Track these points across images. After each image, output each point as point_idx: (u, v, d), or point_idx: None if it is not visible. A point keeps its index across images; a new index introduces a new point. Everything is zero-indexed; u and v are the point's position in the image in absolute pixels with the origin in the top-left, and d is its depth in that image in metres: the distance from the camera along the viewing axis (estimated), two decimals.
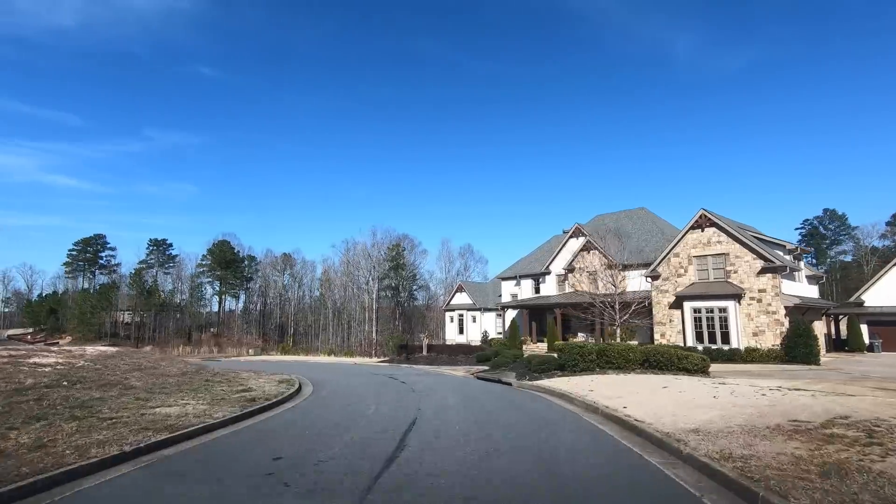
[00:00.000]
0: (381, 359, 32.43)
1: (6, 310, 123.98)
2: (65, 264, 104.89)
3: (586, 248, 37.22)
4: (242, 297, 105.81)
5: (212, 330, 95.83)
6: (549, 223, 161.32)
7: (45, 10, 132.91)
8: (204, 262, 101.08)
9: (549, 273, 40.47)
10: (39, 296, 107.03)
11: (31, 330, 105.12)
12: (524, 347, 36.61)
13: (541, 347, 36.72)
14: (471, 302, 48.10)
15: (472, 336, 47.30)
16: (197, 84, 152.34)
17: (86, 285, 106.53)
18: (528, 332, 38.81)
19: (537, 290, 41.81)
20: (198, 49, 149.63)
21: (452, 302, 50.67)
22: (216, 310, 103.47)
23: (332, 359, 38.92)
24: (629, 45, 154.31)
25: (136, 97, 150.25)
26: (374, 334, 78.84)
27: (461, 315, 48.79)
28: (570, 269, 38.24)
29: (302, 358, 40.33)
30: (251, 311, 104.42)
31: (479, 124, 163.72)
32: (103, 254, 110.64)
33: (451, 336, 49.93)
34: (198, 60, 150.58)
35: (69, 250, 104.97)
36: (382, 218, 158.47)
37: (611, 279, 31.70)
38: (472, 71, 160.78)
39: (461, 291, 49.79)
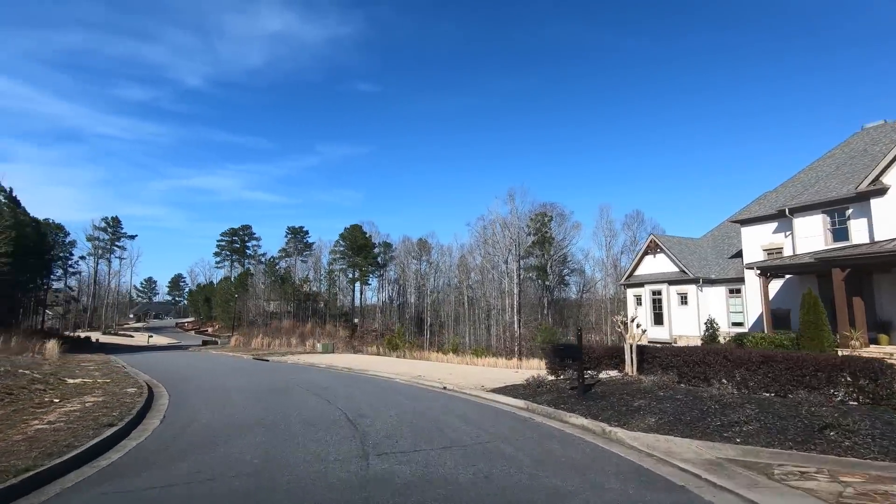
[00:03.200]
0: (531, 368, 14.94)
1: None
2: (214, 254, 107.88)
3: None
4: (378, 287, 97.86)
5: (355, 321, 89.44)
6: (762, 172, 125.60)
7: (241, 56, 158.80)
8: (337, 249, 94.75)
9: (879, 192, 18.53)
10: (198, 286, 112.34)
11: (192, 319, 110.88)
12: (840, 352, 15.70)
13: (889, 351, 15.40)
14: (675, 270, 27.78)
15: (683, 328, 27.03)
16: (357, 99, 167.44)
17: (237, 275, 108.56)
18: (842, 316, 17.55)
19: (840, 235, 20.12)
20: (357, 67, 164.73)
21: (639, 272, 30.68)
22: (357, 300, 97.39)
23: (449, 365, 22.66)
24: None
25: (310, 118, 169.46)
26: (516, 327, 61.70)
27: (657, 292, 28.70)
28: None
29: (401, 362, 25.00)
30: (391, 301, 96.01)
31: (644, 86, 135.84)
32: (250, 244, 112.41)
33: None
34: (357, 78, 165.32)
35: (217, 241, 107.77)
36: (526, 188, 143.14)
37: None
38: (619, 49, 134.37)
39: (654, 253, 29.60)
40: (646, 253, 30.15)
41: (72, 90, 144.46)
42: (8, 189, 34.79)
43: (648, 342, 28.71)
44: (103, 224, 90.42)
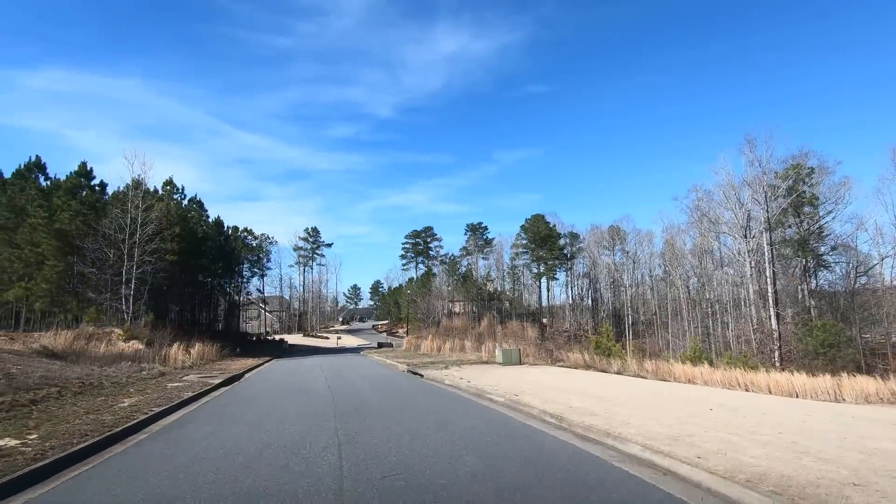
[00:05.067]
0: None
1: None
2: (400, 257, 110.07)
3: None
4: (566, 283, 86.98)
5: (544, 320, 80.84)
6: None
7: (422, 81, 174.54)
8: (518, 242, 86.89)
9: None
10: (389, 289, 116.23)
11: (386, 321, 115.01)
12: None
13: None
14: None
15: None
16: (529, 102, 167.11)
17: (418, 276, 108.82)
18: None
19: None
20: (526, 71, 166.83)
21: None
22: (544, 298, 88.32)
23: (808, 404, 11.15)
24: None
25: (485, 127, 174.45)
26: (774, 324, 43.63)
27: None
28: None
29: (656, 391, 14.35)
30: (580, 298, 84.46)
31: None
32: (432, 244, 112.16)
33: None
34: (527, 81, 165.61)
35: (402, 243, 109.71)
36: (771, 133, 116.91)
37: None
38: None
39: None
40: None
41: (298, 136, 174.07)
42: (179, 187, 35.04)
43: None
44: (305, 235, 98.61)
